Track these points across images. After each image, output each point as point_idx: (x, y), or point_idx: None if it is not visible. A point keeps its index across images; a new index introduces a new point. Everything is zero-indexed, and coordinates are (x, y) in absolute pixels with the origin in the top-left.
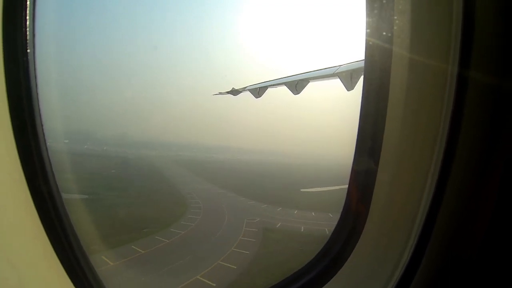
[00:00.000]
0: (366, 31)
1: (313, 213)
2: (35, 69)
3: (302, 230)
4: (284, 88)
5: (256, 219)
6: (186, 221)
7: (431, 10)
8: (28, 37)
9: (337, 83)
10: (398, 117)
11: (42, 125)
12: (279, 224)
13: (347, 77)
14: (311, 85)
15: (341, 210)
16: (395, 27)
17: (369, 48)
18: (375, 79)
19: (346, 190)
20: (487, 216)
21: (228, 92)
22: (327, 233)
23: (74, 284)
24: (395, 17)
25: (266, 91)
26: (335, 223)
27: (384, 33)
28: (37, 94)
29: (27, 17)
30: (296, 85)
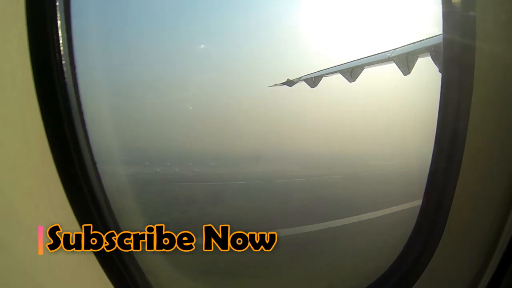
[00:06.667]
0: (443, 25)
1: None
2: (75, 72)
3: None
4: (339, 76)
5: None
6: None
7: None
8: (61, 35)
9: (392, 67)
10: (482, 118)
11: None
12: None
13: (403, 61)
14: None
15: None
16: (478, 20)
17: (448, 43)
18: (456, 78)
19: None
20: None
21: (283, 83)
22: None
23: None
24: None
25: (322, 79)
26: None
27: (466, 28)
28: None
29: (58, 13)
30: (351, 72)
